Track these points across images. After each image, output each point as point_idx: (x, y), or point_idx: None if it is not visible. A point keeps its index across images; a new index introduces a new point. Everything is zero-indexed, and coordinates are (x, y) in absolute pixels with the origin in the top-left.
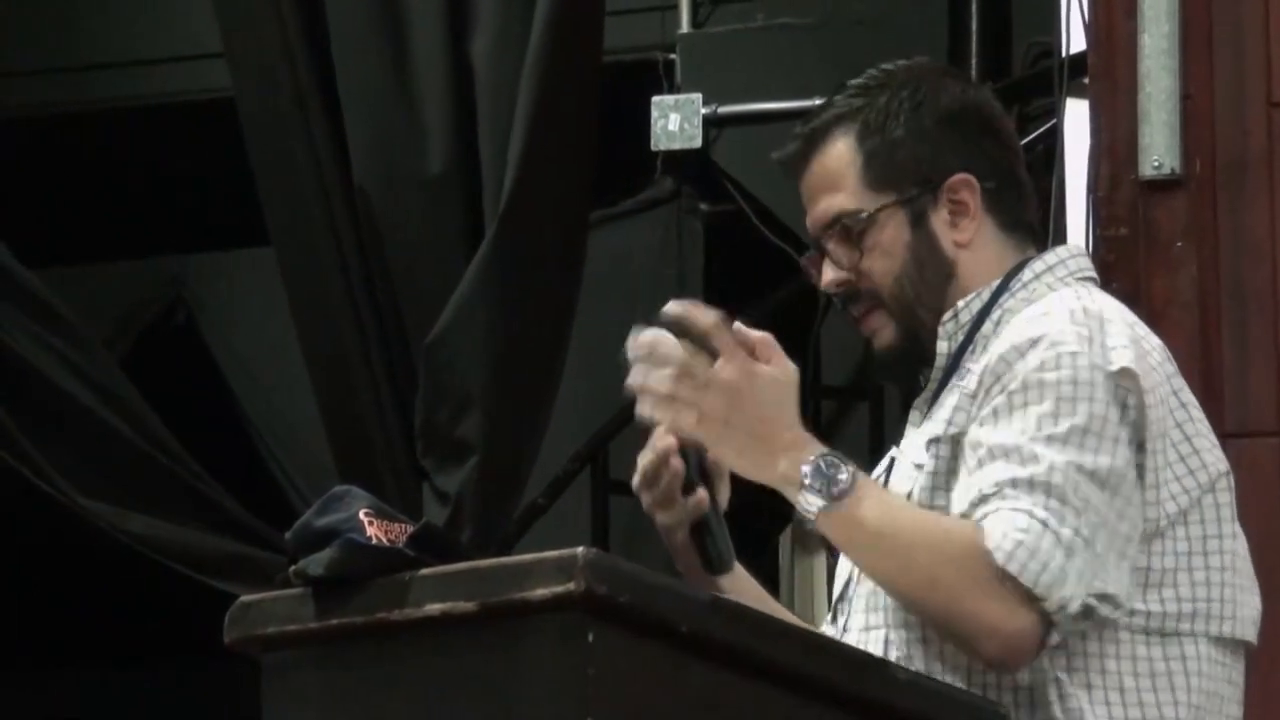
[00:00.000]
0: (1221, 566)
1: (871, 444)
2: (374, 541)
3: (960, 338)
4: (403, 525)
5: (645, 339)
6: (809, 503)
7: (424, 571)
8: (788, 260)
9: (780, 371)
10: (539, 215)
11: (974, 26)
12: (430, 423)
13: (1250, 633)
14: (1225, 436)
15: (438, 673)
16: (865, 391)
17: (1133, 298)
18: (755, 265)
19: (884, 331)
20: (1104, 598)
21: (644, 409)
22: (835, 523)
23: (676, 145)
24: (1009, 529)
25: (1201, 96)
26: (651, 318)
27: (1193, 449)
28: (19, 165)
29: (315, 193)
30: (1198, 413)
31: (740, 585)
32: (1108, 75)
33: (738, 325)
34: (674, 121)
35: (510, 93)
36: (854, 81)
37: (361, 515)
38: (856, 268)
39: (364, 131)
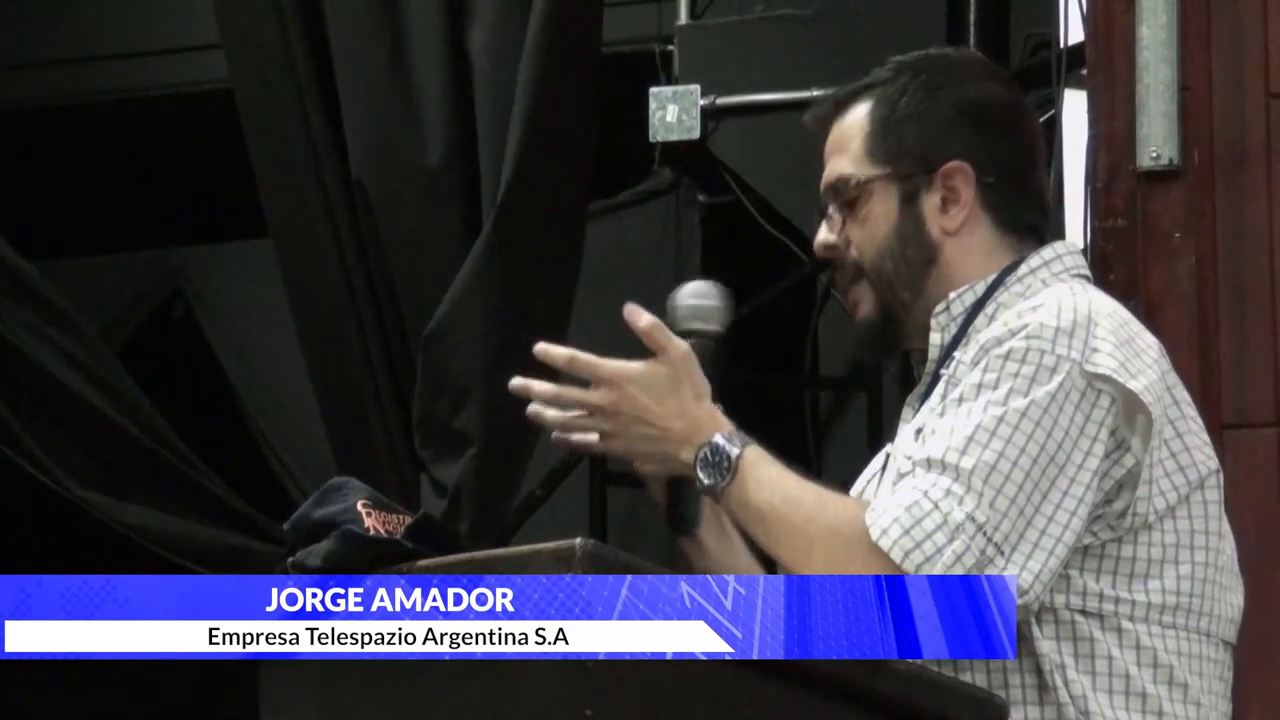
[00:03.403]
0: (1206, 563)
1: (870, 435)
2: (372, 533)
3: (954, 329)
4: (401, 516)
5: (517, 385)
6: (705, 489)
7: (422, 563)
8: (786, 251)
9: (660, 364)
10: (537, 206)
11: (972, 18)
12: (428, 414)
13: (1229, 632)
14: (1223, 428)
15: (435, 667)
16: (863, 382)
17: (1131, 289)
18: (753, 256)
19: (863, 304)
20: None
21: (557, 440)
22: (728, 503)
23: (675, 136)
24: (894, 505)
25: (1200, 87)
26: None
27: (1184, 446)
28: (17, 157)
29: (313, 185)
30: (1190, 410)
31: (728, 546)
32: (1106, 66)
33: (627, 310)
34: (672, 113)
35: (508, 84)
36: (894, 58)
37: (359, 506)
38: (846, 235)
39: (362, 123)
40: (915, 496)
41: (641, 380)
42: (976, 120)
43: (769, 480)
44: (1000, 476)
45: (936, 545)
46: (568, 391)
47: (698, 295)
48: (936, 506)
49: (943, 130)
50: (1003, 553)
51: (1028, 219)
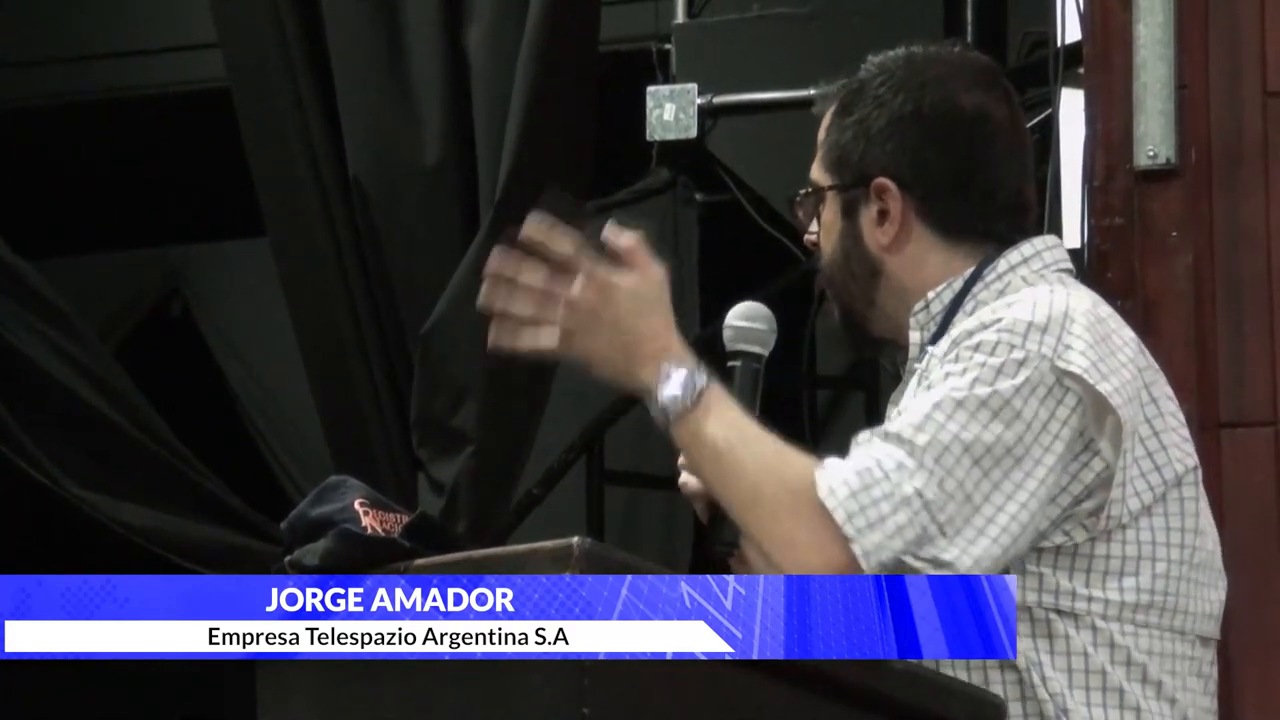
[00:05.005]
0: (1181, 560)
1: None
2: (369, 532)
3: (933, 328)
4: (398, 515)
5: (503, 262)
6: (659, 413)
7: (419, 562)
8: (783, 250)
9: (642, 281)
10: (535, 205)
11: (969, 16)
12: (426, 413)
13: (1207, 628)
14: (1220, 426)
15: (435, 667)
16: (860, 381)
17: (1128, 288)
18: (751, 255)
19: (835, 309)
20: (936, 563)
21: (501, 336)
22: (682, 434)
23: (672, 135)
24: (845, 468)
25: (1197, 86)
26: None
27: (1160, 445)
28: (14, 156)
29: (311, 184)
30: (1169, 406)
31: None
32: (1103, 65)
33: (607, 229)
34: (669, 111)
35: (506, 82)
36: (876, 57)
37: (357, 505)
38: (817, 240)
39: (359, 122)
40: (868, 463)
41: (630, 291)
42: (910, 132)
43: (731, 418)
44: (952, 458)
45: (881, 513)
46: (555, 281)
47: (746, 318)
48: (887, 476)
49: (877, 143)
50: (945, 534)
51: (983, 226)
